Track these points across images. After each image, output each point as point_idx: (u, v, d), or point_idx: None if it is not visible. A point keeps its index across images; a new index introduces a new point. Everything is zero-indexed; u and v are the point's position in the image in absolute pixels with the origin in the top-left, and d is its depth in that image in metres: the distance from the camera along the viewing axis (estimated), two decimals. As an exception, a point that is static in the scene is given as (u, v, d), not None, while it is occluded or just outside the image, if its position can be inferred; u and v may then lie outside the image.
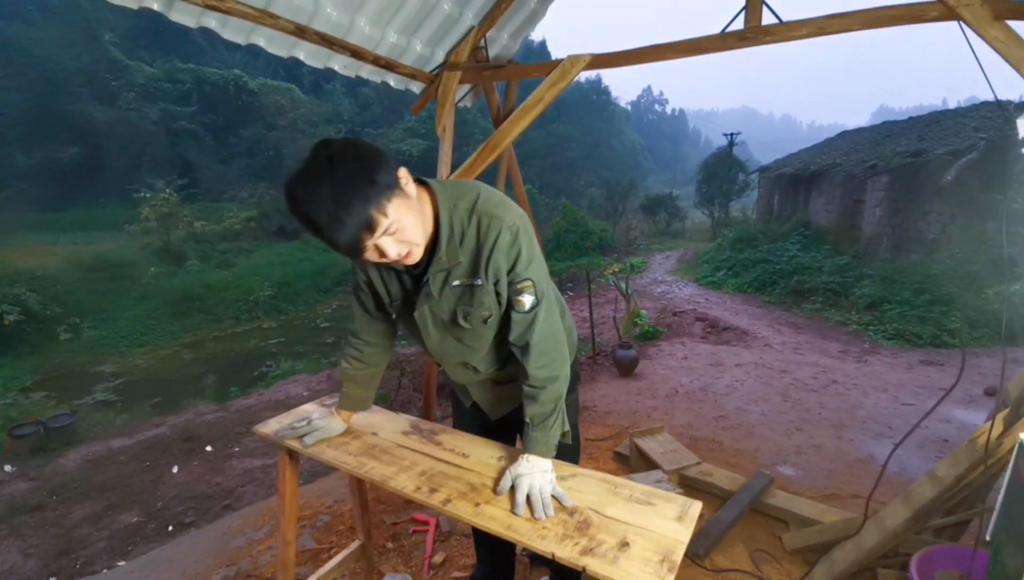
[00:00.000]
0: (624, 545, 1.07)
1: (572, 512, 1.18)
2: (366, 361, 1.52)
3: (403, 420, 1.63)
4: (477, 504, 1.21)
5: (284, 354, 10.92)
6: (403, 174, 1.09)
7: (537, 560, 2.15)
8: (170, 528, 4.23)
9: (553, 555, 1.06)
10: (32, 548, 4.11)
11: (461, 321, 1.29)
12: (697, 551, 2.22)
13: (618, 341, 5.70)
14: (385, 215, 1.04)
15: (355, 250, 1.06)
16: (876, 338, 7.57)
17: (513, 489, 1.22)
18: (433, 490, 1.26)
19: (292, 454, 1.58)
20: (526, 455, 1.28)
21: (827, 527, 2.23)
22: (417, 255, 1.17)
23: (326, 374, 8.27)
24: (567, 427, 1.36)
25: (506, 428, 1.58)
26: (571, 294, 12.19)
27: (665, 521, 1.14)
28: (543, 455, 1.28)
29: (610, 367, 5.44)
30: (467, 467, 1.36)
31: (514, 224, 1.21)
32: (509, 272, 1.23)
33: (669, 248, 20.03)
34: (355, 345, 1.50)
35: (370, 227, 1.03)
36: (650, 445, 2.92)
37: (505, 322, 1.30)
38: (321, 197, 0.98)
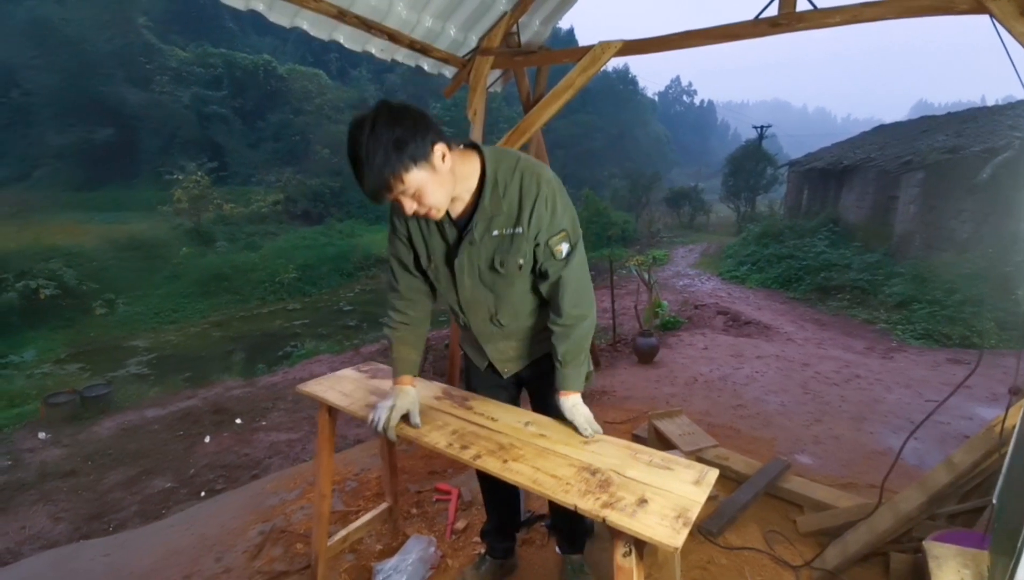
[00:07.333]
0: (643, 502, 1.13)
1: (594, 472, 1.25)
2: (411, 322, 1.59)
3: (436, 386, 1.72)
4: (505, 461, 1.29)
5: (308, 335, 11.18)
6: (438, 149, 1.22)
7: (553, 530, 2.24)
8: (202, 494, 4.40)
9: (576, 507, 1.14)
10: (62, 512, 4.11)
11: (498, 267, 1.41)
12: (711, 529, 2.28)
13: (639, 330, 5.73)
14: (401, 181, 1.18)
15: (375, 197, 1.21)
16: (904, 337, 7.45)
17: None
18: (464, 446, 1.35)
19: (332, 411, 1.69)
20: (564, 393, 1.47)
21: (841, 511, 2.27)
22: (436, 214, 1.30)
23: (349, 355, 8.46)
24: (591, 368, 1.55)
25: (515, 385, 1.75)
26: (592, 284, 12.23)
27: (683, 484, 1.20)
28: (576, 390, 1.48)
29: (630, 354, 5.48)
30: (496, 429, 1.44)
31: (552, 179, 1.38)
32: (548, 224, 1.37)
33: (692, 241, 19.81)
34: (397, 307, 1.57)
35: (387, 186, 1.18)
36: (668, 427, 2.97)
37: (534, 277, 1.46)
38: (360, 145, 1.14)
